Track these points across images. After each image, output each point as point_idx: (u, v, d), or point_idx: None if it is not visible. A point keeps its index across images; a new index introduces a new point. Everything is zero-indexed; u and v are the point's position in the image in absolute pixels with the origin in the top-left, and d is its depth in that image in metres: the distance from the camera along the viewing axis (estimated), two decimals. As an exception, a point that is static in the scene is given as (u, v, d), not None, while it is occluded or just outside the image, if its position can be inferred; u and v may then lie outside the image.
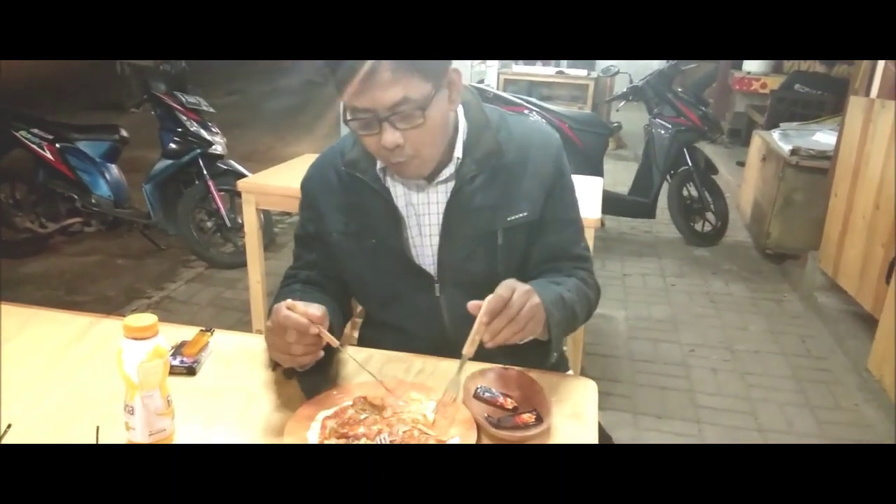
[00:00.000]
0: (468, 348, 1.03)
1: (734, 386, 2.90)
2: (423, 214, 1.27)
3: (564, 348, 1.60)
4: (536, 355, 1.17)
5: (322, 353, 1.06)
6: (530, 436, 0.99)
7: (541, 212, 1.27)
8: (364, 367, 1.12)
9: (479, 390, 1.10)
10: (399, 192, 1.27)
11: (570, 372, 1.47)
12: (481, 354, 1.06)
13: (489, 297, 1.01)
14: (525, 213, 1.25)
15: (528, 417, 1.03)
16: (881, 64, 3.38)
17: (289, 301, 1.03)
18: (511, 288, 1.03)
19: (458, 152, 1.23)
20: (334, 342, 1.06)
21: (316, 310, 1.03)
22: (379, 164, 1.24)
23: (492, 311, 1.00)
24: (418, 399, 1.06)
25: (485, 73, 6.89)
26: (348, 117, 1.11)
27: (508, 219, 1.24)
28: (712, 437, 2.52)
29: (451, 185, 1.24)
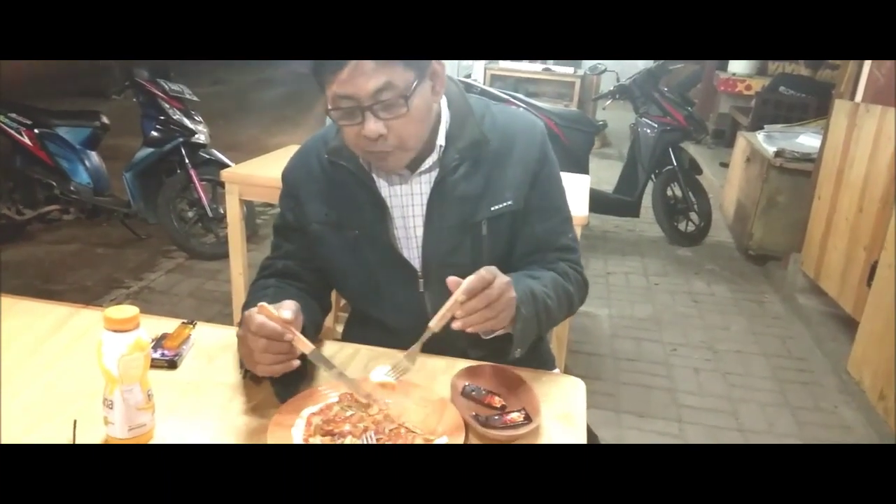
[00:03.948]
0: (436, 322, 1.02)
1: (715, 386, 2.92)
2: (406, 206, 1.25)
3: (550, 346, 1.58)
4: (499, 348, 1.15)
5: (297, 363, 1.01)
6: (519, 435, 0.98)
7: (525, 201, 1.25)
8: (331, 371, 1.05)
9: (466, 388, 1.09)
10: (383, 183, 1.25)
11: (557, 370, 1.46)
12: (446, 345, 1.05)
13: (470, 276, 1.00)
14: (510, 202, 1.23)
15: (516, 416, 1.02)
16: (866, 69, 3.41)
17: (261, 305, 0.99)
18: (493, 273, 1.02)
19: (441, 140, 1.21)
20: (308, 347, 1.01)
21: (287, 311, 1.00)
22: None
23: (471, 290, 0.99)
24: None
25: (471, 69, 6.86)
26: (330, 107, 1.09)
27: (492, 208, 1.22)
28: (693, 436, 2.53)
29: (434, 174, 1.22)
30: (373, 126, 1.07)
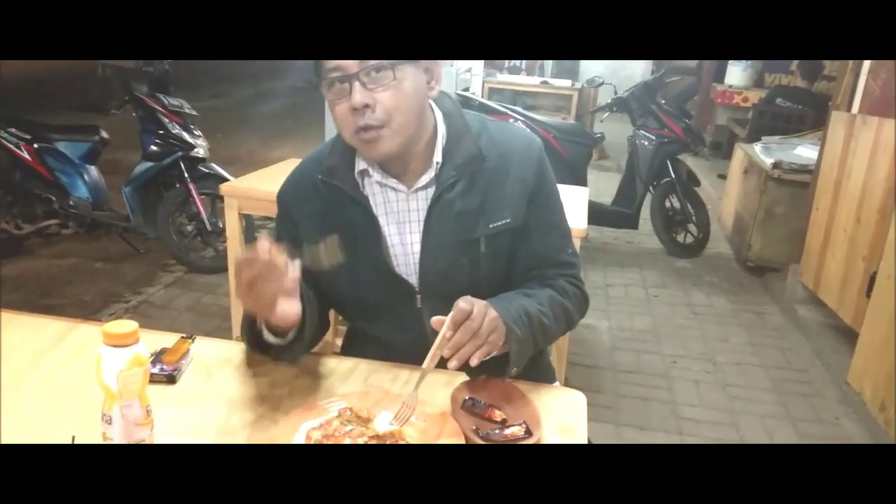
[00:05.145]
0: (428, 363, 1.03)
1: (716, 398, 2.91)
2: (403, 223, 1.24)
3: (550, 358, 1.58)
4: (493, 368, 1.13)
5: (298, 307, 1.06)
6: (519, 449, 0.98)
7: (524, 218, 1.24)
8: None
9: (467, 402, 1.08)
10: (378, 201, 1.24)
11: (557, 383, 1.45)
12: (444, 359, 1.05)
13: (451, 312, 1.02)
14: (508, 220, 1.23)
15: (517, 430, 1.01)
16: (862, 80, 3.42)
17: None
18: (470, 301, 1.03)
19: (438, 157, 1.21)
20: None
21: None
22: (357, 168, 1.22)
23: (455, 323, 1.01)
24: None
25: (469, 82, 6.87)
26: (323, 86, 1.11)
27: (491, 225, 1.22)
28: (694, 449, 2.52)
29: (431, 191, 1.22)
30: (359, 97, 1.08)
